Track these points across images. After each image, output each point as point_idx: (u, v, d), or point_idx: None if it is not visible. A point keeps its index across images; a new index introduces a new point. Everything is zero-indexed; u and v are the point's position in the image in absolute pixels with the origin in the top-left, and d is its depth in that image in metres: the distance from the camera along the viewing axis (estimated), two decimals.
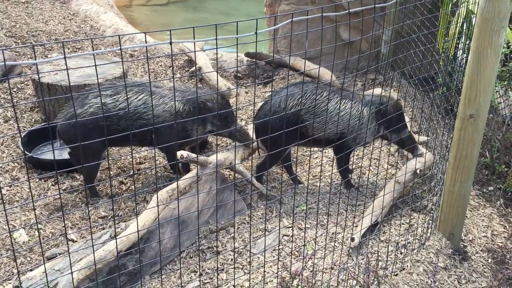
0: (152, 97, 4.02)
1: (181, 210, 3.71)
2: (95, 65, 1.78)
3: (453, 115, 3.59)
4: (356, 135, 4.05)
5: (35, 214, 2.13)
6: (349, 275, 3.05)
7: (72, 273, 2.33)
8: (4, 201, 4.07)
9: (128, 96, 3.98)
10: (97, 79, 1.94)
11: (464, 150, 3.33)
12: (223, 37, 1.91)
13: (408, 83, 5.43)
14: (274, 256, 3.59)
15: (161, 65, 6.89)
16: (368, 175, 4.44)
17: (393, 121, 3.89)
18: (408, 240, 3.64)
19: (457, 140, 3.35)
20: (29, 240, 3.69)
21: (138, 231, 2.90)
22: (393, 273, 3.42)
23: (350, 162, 4.58)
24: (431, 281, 2.77)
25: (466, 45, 3.60)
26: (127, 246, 3.24)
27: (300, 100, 3.99)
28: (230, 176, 4.47)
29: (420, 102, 5.25)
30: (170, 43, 1.81)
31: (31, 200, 1.88)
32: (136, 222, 3.13)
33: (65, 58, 1.64)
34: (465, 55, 3.54)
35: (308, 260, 3.38)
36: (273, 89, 6.21)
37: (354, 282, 3.25)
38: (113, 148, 4.74)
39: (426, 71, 4.58)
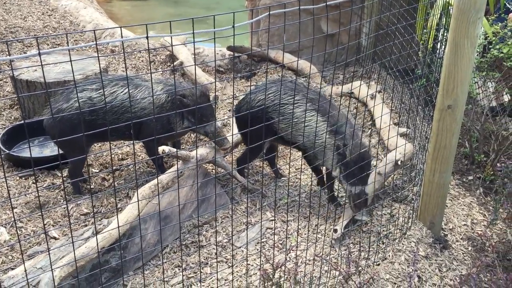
0: (138, 90, 4.00)
1: (164, 205, 3.71)
2: (70, 60, 1.77)
3: (432, 106, 3.64)
4: (315, 152, 3.78)
5: (13, 212, 2.11)
6: (331, 266, 3.08)
7: (52, 270, 2.32)
8: None
9: (113, 90, 3.95)
10: (73, 75, 1.92)
11: (443, 140, 3.37)
12: (200, 31, 1.91)
13: (388, 75, 5.48)
14: (257, 249, 3.60)
15: (142, 60, 6.84)
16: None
17: (354, 167, 3.49)
18: (390, 230, 3.68)
19: (435, 131, 3.39)
20: (10, 238, 3.65)
21: (118, 226, 2.89)
22: (375, 263, 3.46)
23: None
24: (411, 270, 2.81)
25: (444, 37, 3.64)
26: (110, 243, 3.22)
27: (266, 97, 3.90)
28: (213, 170, 4.47)
29: (400, 94, 5.31)
30: (147, 37, 1.80)
31: (9, 199, 1.87)
32: (117, 217, 3.11)
33: (39, 54, 1.62)
34: (443, 47, 3.58)
35: (291, 252, 3.41)
36: (256, 83, 6.23)
37: (337, 273, 3.28)
38: (95, 144, 4.70)
39: (406, 63, 4.62)
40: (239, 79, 6.64)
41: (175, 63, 6.32)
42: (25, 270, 2.22)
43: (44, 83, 1.76)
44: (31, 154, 2.18)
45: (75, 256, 2.40)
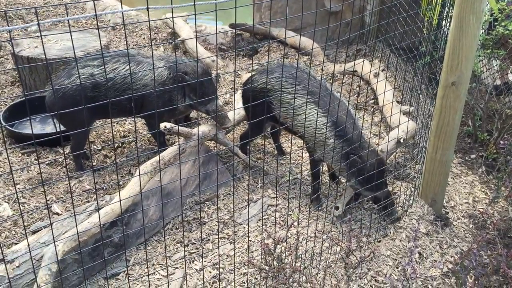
0: (140, 66, 3.97)
1: (166, 182, 3.71)
2: (70, 32, 1.75)
3: (436, 84, 3.61)
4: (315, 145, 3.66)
5: (15, 188, 2.11)
6: (333, 241, 3.10)
7: (55, 244, 2.33)
8: None
9: (115, 67, 3.93)
10: (73, 50, 1.90)
11: (446, 117, 3.35)
12: (201, 3, 1.88)
13: (392, 53, 5.42)
14: (259, 226, 3.62)
15: (144, 38, 6.79)
16: None
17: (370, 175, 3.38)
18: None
19: (439, 108, 3.37)
20: (13, 214, 3.67)
21: (120, 200, 2.89)
22: (376, 240, 3.48)
23: None
24: (412, 245, 2.82)
25: (450, 13, 3.59)
26: (112, 218, 3.24)
27: (268, 81, 3.80)
28: (215, 148, 4.46)
29: (403, 72, 5.26)
30: (147, 8, 1.78)
31: (11, 173, 1.87)
32: (119, 193, 3.12)
33: (38, 24, 1.60)
34: (448, 23, 3.54)
35: (292, 227, 3.42)
36: (258, 62, 6.18)
37: (338, 248, 3.30)
38: (97, 122, 4.69)
39: (410, 40, 4.57)
40: (241, 57, 6.59)
41: (176, 40, 6.27)
42: (28, 244, 2.23)
43: (45, 58, 1.74)
44: (32, 130, 2.18)
45: (77, 231, 2.42)
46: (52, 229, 2.09)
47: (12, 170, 2.03)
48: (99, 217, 2.77)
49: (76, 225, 2.35)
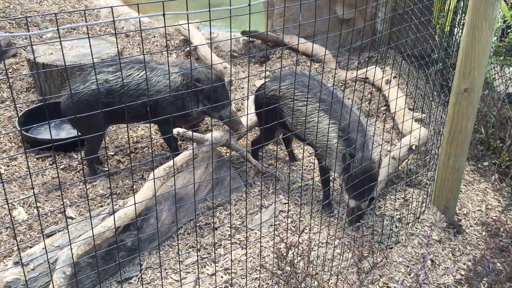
0: (153, 73, 4.02)
1: (178, 188, 3.74)
2: (89, 37, 1.78)
3: (448, 91, 3.61)
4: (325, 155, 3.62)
5: (33, 190, 2.15)
6: (345, 247, 3.10)
7: (71, 246, 2.36)
8: (2, 180, 4.09)
9: (129, 73, 3.98)
10: (92, 54, 1.93)
11: (459, 124, 3.35)
12: (216, 9, 1.91)
13: (403, 60, 5.43)
14: (270, 232, 3.63)
15: (156, 45, 6.86)
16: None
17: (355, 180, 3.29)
18: (403, 214, 3.68)
19: (451, 115, 3.37)
20: (28, 218, 3.72)
21: (135, 203, 2.92)
22: (388, 247, 3.47)
23: None
24: (425, 252, 2.81)
25: (462, 19, 3.60)
26: (125, 223, 3.28)
27: (280, 87, 3.80)
28: (227, 154, 4.49)
29: (415, 79, 5.26)
30: (163, 14, 1.81)
31: (29, 176, 1.91)
32: (134, 198, 3.16)
33: (58, 30, 1.64)
34: (460, 30, 3.54)
35: (303, 233, 3.43)
36: (270, 69, 6.22)
37: (350, 255, 3.30)
38: (110, 128, 4.75)
39: (422, 47, 4.57)
40: (253, 64, 6.63)
41: (188, 48, 6.32)
42: (45, 247, 2.27)
43: (64, 62, 1.78)
44: (51, 136, 2.22)
45: (93, 233, 2.45)
46: (68, 231, 2.11)
47: (30, 173, 2.07)
48: (114, 221, 2.80)
49: (92, 228, 2.38)
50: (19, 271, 2.98)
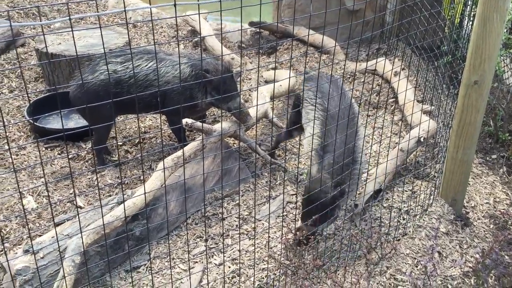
0: (162, 64, 4.02)
1: (186, 178, 3.75)
2: (100, 26, 1.79)
3: (458, 83, 3.59)
4: None
5: (45, 179, 2.17)
6: (353, 238, 3.11)
7: (82, 234, 2.38)
8: (11, 170, 4.12)
9: (138, 64, 3.98)
10: (103, 42, 1.94)
11: (468, 116, 3.33)
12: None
13: (412, 52, 5.39)
14: (278, 222, 3.64)
15: (164, 36, 6.86)
16: (371, 143, 4.45)
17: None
18: (411, 207, 3.68)
19: (461, 107, 3.35)
20: (37, 206, 3.75)
21: (145, 192, 2.94)
22: (395, 238, 3.47)
23: None
24: (431, 248, 2.81)
25: (473, 11, 3.57)
26: (134, 212, 3.29)
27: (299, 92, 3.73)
28: (235, 145, 4.50)
29: (424, 71, 5.23)
30: (175, 4, 1.81)
31: (41, 165, 1.92)
32: (143, 187, 3.18)
33: (70, 19, 1.64)
34: (471, 22, 3.51)
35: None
36: (277, 60, 6.20)
37: (357, 246, 3.30)
38: (118, 118, 4.76)
39: (431, 39, 4.54)
40: (260, 55, 6.61)
41: (196, 38, 6.32)
42: (56, 235, 2.28)
43: (75, 51, 1.77)
44: (63, 125, 2.23)
45: (103, 223, 2.47)
46: (79, 219, 2.13)
47: (40, 162, 2.08)
48: (124, 210, 2.82)
49: (102, 216, 2.40)
50: (29, 259, 3.01)
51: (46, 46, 2.08)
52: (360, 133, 3.31)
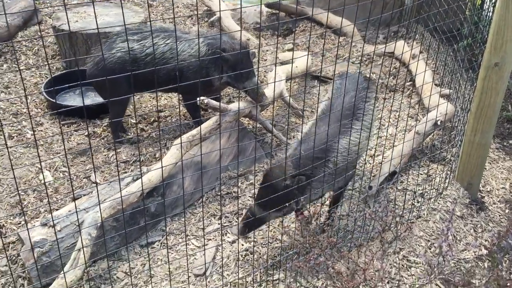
0: (178, 42, 4.01)
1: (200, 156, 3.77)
2: (122, 5, 1.78)
3: (477, 66, 3.54)
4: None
5: (65, 151, 2.19)
6: (368, 217, 3.10)
7: (100, 207, 2.42)
8: (29, 145, 4.18)
9: (155, 42, 3.98)
10: (124, 20, 1.93)
11: (487, 99, 3.29)
12: None
13: (431, 35, 5.31)
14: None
15: (179, 15, 6.83)
16: (388, 126, 4.43)
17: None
18: (426, 190, 3.66)
19: (480, 89, 3.31)
20: (54, 181, 3.80)
21: (162, 167, 2.95)
22: (409, 221, 3.46)
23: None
24: (446, 228, 2.80)
25: None
26: (149, 189, 3.33)
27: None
28: (249, 124, 4.50)
29: (442, 55, 5.16)
30: None
31: (62, 140, 1.94)
32: (161, 162, 3.20)
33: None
34: (492, 3, 3.45)
35: (324, 205, 3.44)
36: (293, 42, 6.16)
37: (370, 228, 3.31)
38: (134, 96, 4.78)
39: (451, 22, 4.46)
40: (276, 37, 6.56)
41: (212, 18, 6.29)
42: (76, 208, 2.31)
43: (96, 25, 1.77)
44: (83, 101, 2.24)
45: (121, 196, 2.50)
46: (98, 193, 2.16)
47: (63, 138, 2.10)
48: (142, 185, 2.85)
49: (120, 190, 2.42)
50: (47, 232, 3.06)
51: (68, 22, 2.06)
52: (353, 137, 3.05)
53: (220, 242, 3.25)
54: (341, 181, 3.13)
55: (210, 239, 3.39)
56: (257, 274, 3.01)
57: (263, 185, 2.92)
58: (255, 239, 3.32)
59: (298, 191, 2.87)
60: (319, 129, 2.88)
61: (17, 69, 5.18)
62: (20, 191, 3.62)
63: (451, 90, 4.54)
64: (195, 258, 3.22)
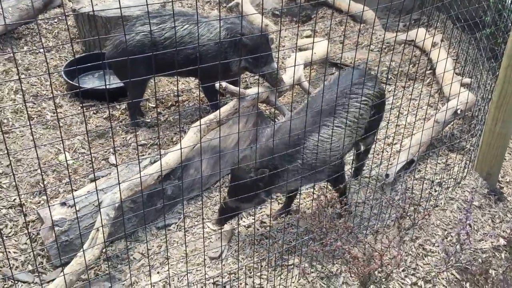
0: (198, 26, 4.01)
1: (217, 141, 3.78)
2: None
3: (500, 54, 3.48)
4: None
5: (87, 134, 2.21)
6: (385, 202, 3.09)
7: (120, 187, 2.44)
8: (48, 126, 4.23)
9: (173, 26, 3.98)
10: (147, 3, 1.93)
11: (510, 88, 3.24)
12: None
13: (452, 23, 5.23)
14: (307, 189, 3.65)
15: (198, 0, 6.81)
16: (407, 115, 4.38)
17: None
18: (444, 179, 3.63)
19: (502, 78, 3.25)
20: (73, 162, 3.84)
21: (181, 148, 2.97)
22: (426, 210, 3.44)
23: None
24: (465, 217, 2.78)
25: None
26: (166, 172, 3.35)
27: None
28: (266, 111, 4.49)
29: (464, 43, 5.08)
30: None
31: (84, 122, 1.94)
32: (180, 144, 3.21)
33: None
34: None
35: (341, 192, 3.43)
36: (311, 28, 6.11)
37: (387, 216, 3.30)
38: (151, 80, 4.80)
39: (473, 10, 4.38)
40: (294, 23, 6.52)
41: (231, 4, 6.27)
42: (96, 189, 2.33)
43: (120, 8, 1.77)
44: (105, 83, 2.26)
45: (141, 178, 2.52)
46: (118, 174, 2.18)
47: (73, 124, 2.12)
48: (161, 167, 2.87)
49: (140, 171, 2.45)
50: (65, 211, 3.11)
51: (92, 4, 2.05)
52: (325, 133, 2.97)
53: (238, 226, 3.26)
54: (323, 174, 3.05)
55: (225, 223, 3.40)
56: (272, 259, 3.03)
57: (231, 178, 2.97)
58: (270, 225, 3.33)
59: (263, 183, 2.87)
60: (293, 123, 2.80)
61: (37, 51, 5.22)
62: (40, 171, 3.67)
63: (472, 79, 4.47)
64: (210, 241, 3.24)
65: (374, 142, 3.57)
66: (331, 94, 3.06)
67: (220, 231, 3.07)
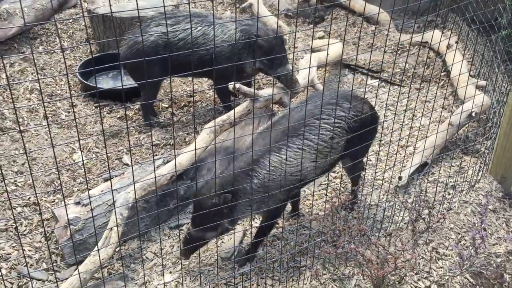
0: (211, 28, 4.02)
1: (229, 142, 3.78)
2: None
3: None
4: None
5: (103, 134, 2.23)
6: (398, 205, 3.07)
7: (135, 186, 2.46)
8: (63, 126, 4.27)
9: (187, 27, 4.00)
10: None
11: None
12: None
13: (467, 25, 5.19)
14: (320, 190, 3.64)
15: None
16: (421, 117, 4.36)
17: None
18: (457, 182, 3.60)
19: None
20: (87, 162, 3.87)
21: (195, 148, 2.98)
22: (440, 213, 3.41)
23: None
24: (480, 221, 2.76)
25: None
26: (178, 172, 3.36)
27: None
28: (279, 111, 4.49)
29: (479, 46, 5.03)
30: None
31: (100, 122, 1.96)
32: (195, 143, 3.22)
33: None
34: None
35: (354, 194, 3.42)
36: (324, 29, 6.10)
37: (400, 218, 3.28)
38: (165, 81, 4.82)
39: (489, 12, 4.35)
40: (307, 24, 6.51)
41: (244, 4, 6.28)
42: (112, 188, 2.36)
43: (137, 7, 1.78)
44: (122, 84, 2.27)
45: (155, 176, 2.53)
46: (133, 174, 2.19)
47: (87, 123, 2.14)
48: (175, 166, 2.88)
49: (155, 170, 2.46)
50: (79, 210, 3.14)
51: (110, 4, 2.06)
52: (283, 155, 2.80)
53: (251, 227, 3.27)
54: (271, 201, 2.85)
55: (238, 224, 3.41)
56: (284, 260, 3.03)
57: (194, 208, 2.84)
58: (283, 226, 3.33)
59: (226, 209, 2.73)
60: (255, 144, 2.73)
61: (52, 51, 5.27)
62: (55, 170, 3.71)
63: (487, 82, 4.44)
64: (222, 242, 3.25)
65: (363, 170, 3.32)
66: (299, 114, 2.90)
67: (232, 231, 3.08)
